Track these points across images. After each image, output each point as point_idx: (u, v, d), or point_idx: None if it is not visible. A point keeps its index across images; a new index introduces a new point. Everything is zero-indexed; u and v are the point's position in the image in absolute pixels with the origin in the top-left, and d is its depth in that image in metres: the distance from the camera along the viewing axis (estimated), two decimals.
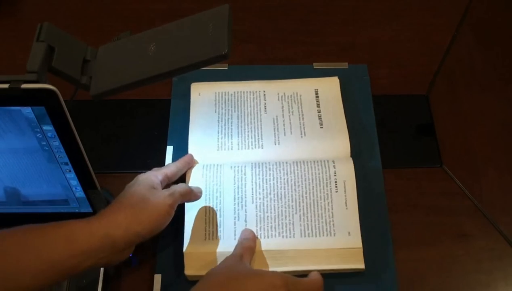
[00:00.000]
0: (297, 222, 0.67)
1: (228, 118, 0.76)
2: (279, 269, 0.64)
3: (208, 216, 0.68)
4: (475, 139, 0.78)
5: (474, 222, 0.71)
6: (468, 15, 0.90)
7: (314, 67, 0.83)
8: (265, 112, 0.77)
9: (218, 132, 0.75)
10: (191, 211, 0.68)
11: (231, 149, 0.74)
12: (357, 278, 0.66)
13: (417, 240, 0.70)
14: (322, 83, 0.80)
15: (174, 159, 0.75)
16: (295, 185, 0.69)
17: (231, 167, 0.71)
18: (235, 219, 0.68)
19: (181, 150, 0.74)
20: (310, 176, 0.70)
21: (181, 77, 0.80)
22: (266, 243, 0.66)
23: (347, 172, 0.70)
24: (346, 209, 0.68)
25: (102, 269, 0.66)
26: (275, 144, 0.74)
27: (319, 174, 0.70)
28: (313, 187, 0.69)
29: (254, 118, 0.76)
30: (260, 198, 0.69)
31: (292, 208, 0.68)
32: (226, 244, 0.66)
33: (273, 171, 0.70)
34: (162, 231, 0.61)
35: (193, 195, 0.67)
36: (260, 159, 0.72)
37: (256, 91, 0.79)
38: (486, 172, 0.75)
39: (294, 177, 0.70)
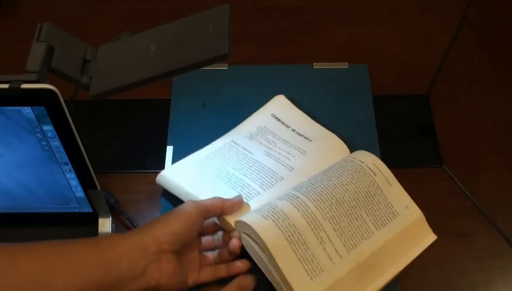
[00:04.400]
0: (367, 217, 0.65)
1: (226, 174, 0.69)
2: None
3: (299, 254, 0.60)
4: (475, 139, 0.78)
5: (474, 222, 0.71)
6: (468, 15, 0.90)
7: (314, 67, 0.84)
8: (252, 153, 0.72)
9: (232, 188, 0.68)
10: (281, 260, 0.60)
11: (259, 194, 0.67)
12: None
13: None
14: (273, 105, 0.78)
15: (174, 159, 0.75)
16: (341, 188, 0.66)
17: (291, 204, 0.63)
18: (321, 243, 0.61)
19: (181, 150, 0.74)
20: (345, 176, 0.66)
21: (181, 77, 0.80)
22: (359, 253, 0.62)
23: (367, 156, 0.69)
24: (390, 186, 0.67)
25: None
26: (291, 170, 0.70)
27: (350, 170, 0.67)
28: (354, 182, 0.66)
29: (249, 162, 0.71)
30: (328, 212, 0.63)
31: (354, 208, 0.65)
32: (334, 271, 0.61)
33: (316, 186, 0.65)
34: None
35: (229, 206, 0.63)
36: (293, 185, 0.67)
37: (226, 144, 0.73)
38: (486, 171, 0.75)
39: (336, 181, 0.66)
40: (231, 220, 0.63)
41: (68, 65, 0.56)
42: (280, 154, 0.72)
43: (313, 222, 0.62)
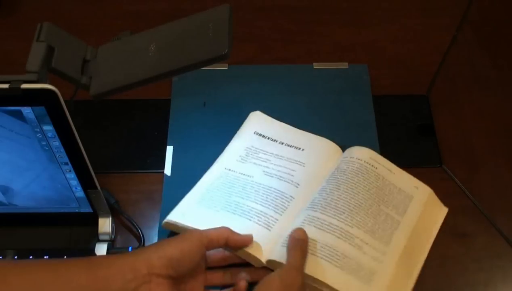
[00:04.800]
0: (387, 209, 0.66)
1: (236, 206, 0.67)
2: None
3: (345, 268, 0.60)
4: (475, 139, 0.78)
5: (474, 222, 0.71)
6: (468, 15, 0.90)
7: (314, 67, 0.83)
8: (252, 177, 0.70)
9: (249, 219, 0.65)
10: (332, 281, 0.59)
11: (277, 221, 0.65)
12: None
13: None
14: (252, 122, 0.76)
15: (174, 159, 0.75)
16: (353, 192, 0.66)
17: (315, 227, 0.63)
18: (359, 249, 0.62)
19: (181, 150, 0.74)
20: (351, 179, 0.67)
21: (181, 77, 0.80)
22: (396, 245, 0.63)
23: (362, 152, 0.70)
24: (393, 173, 0.69)
25: None
26: (297, 187, 0.69)
27: (353, 171, 0.68)
28: (361, 182, 0.67)
29: (253, 187, 0.68)
30: (351, 220, 0.63)
31: (372, 205, 0.65)
32: (384, 269, 0.61)
33: (330, 200, 0.65)
34: None
35: (235, 239, 0.61)
36: (304, 203, 0.67)
37: (222, 173, 0.70)
38: (486, 171, 0.75)
39: (345, 187, 0.66)
40: (260, 255, 0.62)
41: (68, 65, 0.56)
42: (279, 171, 0.70)
43: (343, 234, 0.62)
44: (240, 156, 0.72)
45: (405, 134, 0.79)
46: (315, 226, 0.63)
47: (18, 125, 0.56)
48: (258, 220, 0.65)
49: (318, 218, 0.64)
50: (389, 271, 0.62)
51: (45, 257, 0.67)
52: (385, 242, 0.63)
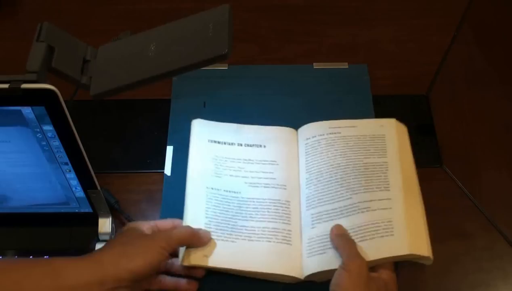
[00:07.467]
0: (370, 160, 0.68)
1: (246, 230, 0.66)
2: None
3: (376, 235, 0.63)
4: (475, 139, 0.78)
5: (474, 222, 0.71)
6: (468, 15, 0.90)
7: (314, 67, 0.83)
8: (240, 193, 0.69)
9: (268, 241, 0.66)
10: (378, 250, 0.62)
11: (291, 232, 0.66)
12: None
13: None
14: (199, 131, 0.74)
15: (174, 159, 0.74)
16: (332, 168, 0.68)
17: (320, 222, 0.65)
18: (378, 209, 0.64)
19: (181, 150, 0.74)
20: (328, 152, 0.70)
21: (181, 77, 0.80)
22: (395, 186, 0.65)
23: (319, 126, 0.72)
24: (355, 127, 0.71)
25: None
26: (285, 188, 0.69)
27: (323, 146, 0.70)
28: (332, 152, 0.70)
29: (248, 204, 0.68)
30: (348, 190, 0.66)
31: (352, 168, 0.68)
32: (396, 210, 0.64)
33: (319, 190, 0.67)
34: None
35: (197, 240, 0.62)
36: (299, 201, 0.69)
37: (208, 193, 0.68)
38: (486, 171, 0.75)
39: (326, 163, 0.69)
40: (221, 264, 0.63)
41: (68, 65, 0.56)
42: (260, 177, 0.70)
43: (349, 209, 0.64)
44: (212, 170, 0.70)
45: None
46: (324, 221, 0.64)
47: (18, 126, 0.56)
48: (276, 239, 0.66)
49: (321, 212, 0.65)
50: (401, 210, 0.63)
51: (45, 257, 0.66)
52: (385, 188, 0.65)
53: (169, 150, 0.76)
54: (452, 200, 0.73)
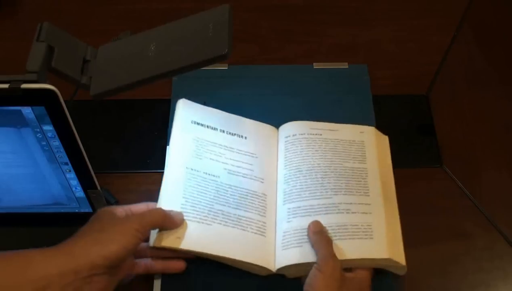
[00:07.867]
0: (349, 164, 0.70)
1: (223, 216, 0.66)
2: None
3: (356, 236, 0.63)
4: (475, 139, 0.78)
5: (474, 222, 0.71)
6: (468, 15, 0.90)
7: (314, 67, 0.83)
8: (218, 177, 0.69)
9: (243, 230, 0.66)
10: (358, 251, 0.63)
11: (265, 224, 0.67)
12: None
13: (417, 240, 0.69)
14: (184, 111, 0.73)
15: None
16: (311, 159, 0.70)
17: (296, 215, 0.66)
18: (359, 212, 0.65)
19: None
20: (308, 151, 0.71)
21: (181, 77, 0.80)
22: (374, 191, 0.67)
23: (300, 125, 0.73)
24: (336, 130, 0.73)
25: None
26: (262, 182, 0.70)
27: (304, 145, 0.71)
28: (313, 152, 0.70)
29: (226, 190, 0.68)
30: (328, 190, 0.67)
31: (335, 167, 0.69)
32: (377, 214, 0.65)
33: (297, 187, 0.68)
34: None
35: (170, 221, 0.62)
36: (275, 197, 0.69)
37: (187, 173, 0.68)
38: (486, 171, 0.75)
39: (306, 161, 0.70)
40: (194, 248, 0.62)
41: (68, 65, 0.56)
42: (239, 166, 0.70)
43: (328, 208, 0.65)
44: (193, 151, 0.70)
45: (405, 134, 0.79)
46: (301, 216, 0.65)
47: (18, 126, 0.56)
48: (251, 229, 0.66)
49: (299, 207, 0.66)
50: (381, 216, 0.64)
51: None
52: (364, 193, 0.66)
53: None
54: (452, 200, 0.73)
